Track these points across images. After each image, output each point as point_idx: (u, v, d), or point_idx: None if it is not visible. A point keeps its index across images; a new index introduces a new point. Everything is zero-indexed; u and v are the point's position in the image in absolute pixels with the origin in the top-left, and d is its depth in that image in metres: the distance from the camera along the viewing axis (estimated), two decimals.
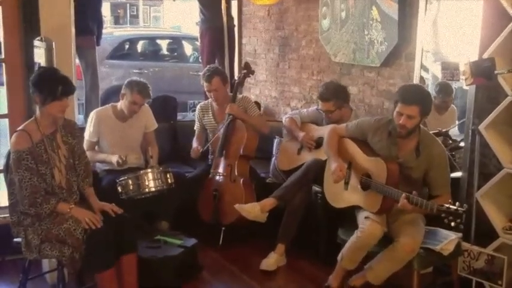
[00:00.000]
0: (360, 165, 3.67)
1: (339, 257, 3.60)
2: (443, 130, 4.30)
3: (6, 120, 4.27)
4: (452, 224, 3.11)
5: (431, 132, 3.79)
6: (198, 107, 5.06)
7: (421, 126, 3.59)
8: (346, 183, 3.74)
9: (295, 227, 4.26)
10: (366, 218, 3.53)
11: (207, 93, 4.89)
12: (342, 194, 3.78)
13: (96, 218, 3.33)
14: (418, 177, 3.54)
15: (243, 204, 4.17)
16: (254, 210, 4.11)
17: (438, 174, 3.51)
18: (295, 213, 4.25)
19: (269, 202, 4.17)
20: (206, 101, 5.04)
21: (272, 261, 4.19)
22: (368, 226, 3.47)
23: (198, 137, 4.96)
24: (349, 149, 3.78)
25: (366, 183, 3.60)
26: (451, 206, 3.12)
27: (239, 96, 4.94)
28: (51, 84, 3.26)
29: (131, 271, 3.47)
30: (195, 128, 5.00)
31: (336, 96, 4.44)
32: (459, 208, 3.10)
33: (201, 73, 6.56)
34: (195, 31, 7.22)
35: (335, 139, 3.84)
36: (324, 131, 4.25)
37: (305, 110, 4.91)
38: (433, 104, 4.53)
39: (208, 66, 5.06)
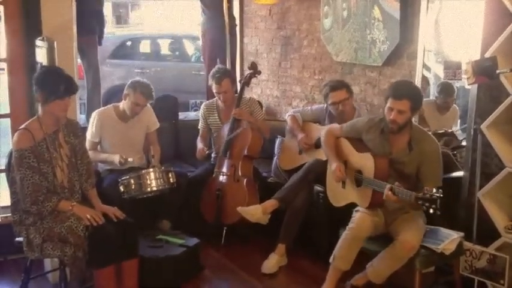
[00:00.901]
0: (353, 162, 3.71)
1: (331, 259, 3.57)
2: (449, 131, 4.31)
3: (8, 120, 4.27)
4: (431, 210, 3.12)
5: (437, 132, 3.79)
6: (203, 106, 5.05)
7: (413, 122, 3.60)
8: (343, 182, 3.76)
9: (296, 228, 4.26)
10: (356, 211, 3.59)
11: (215, 94, 4.87)
12: (341, 193, 3.80)
13: (98, 215, 3.33)
14: (411, 172, 3.55)
15: (246, 207, 4.18)
16: (257, 212, 4.12)
17: (428, 169, 3.51)
18: (297, 213, 4.25)
19: (271, 204, 4.18)
20: (211, 100, 5.03)
21: (273, 262, 4.19)
22: (358, 218, 3.51)
23: (202, 136, 4.95)
24: (344, 148, 3.81)
25: (358, 180, 3.63)
26: (426, 193, 3.14)
27: (246, 97, 4.94)
28: (54, 83, 3.27)
29: (132, 275, 3.49)
30: (199, 127, 4.99)
31: (345, 84, 4.51)
32: (434, 194, 3.11)
33: (203, 73, 6.57)
34: (197, 31, 7.22)
35: (332, 139, 3.88)
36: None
37: (309, 107, 4.90)
38: (434, 103, 4.59)
39: (217, 67, 5.04)
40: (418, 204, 3.20)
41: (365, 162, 3.59)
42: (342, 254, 3.53)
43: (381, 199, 3.44)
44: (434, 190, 3.14)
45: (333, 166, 3.73)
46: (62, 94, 3.27)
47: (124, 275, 3.43)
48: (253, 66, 4.92)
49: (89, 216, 3.29)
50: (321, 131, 4.50)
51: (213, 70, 4.88)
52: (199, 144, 4.83)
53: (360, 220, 3.50)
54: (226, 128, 4.77)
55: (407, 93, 3.48)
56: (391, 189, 3.32)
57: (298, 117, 4.74)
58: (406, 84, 3.72)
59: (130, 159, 4.27)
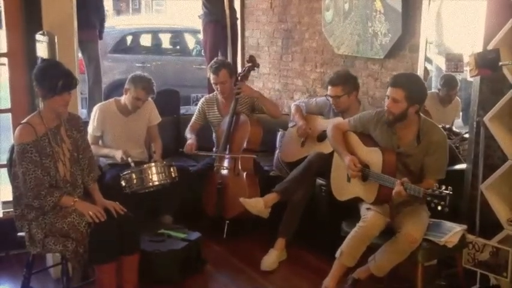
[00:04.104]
0: (360, 156, 3.67)
1: (337, 254, 3.54)
2: (447, 126, 4.30)
3: (9, 115, 4.26)
4: (439, 208, 3.12)
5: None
6: (202, 99, 5.04)
7: (421, 114, 3.58)
8: (348, 176, 3.72)
9: (296, 221, 4.25)
10: (367, 209, 3.54)
11: (213, 85, 4.87)
12: (345, 187, 3.78)
13: (100, 211, 3.33)
14: (418, 165, 3.54)
15: (248, 199, 4.17)
16: (258, 205, 4.11)
17: (432, 159, 3.50)
18: (297, 207, 4.24)
19: (272, 197, 4.17)
20: (211, 94, 5.03)
21: (272, 258, 4.16)
22: (371, 216, 3.47)
23: (192, 127, 4.92)
24: (351, 142, 3.78)
25: (365, 174, 3.59)
26: (435, 190, 3.13)
27: None
28: (51, 79, 3.24)
29: (132, 269, 3.48)
30: (192, 119, 4.98)
31: (344, 82, 4.42)
32: (443, 191, 3.10)
33: (204, 66, 6.56)
34: (198, 24, 7.20)
35: (339, 134, 3.83)
36: (328, 124, 4.23)
37: (313, 99, 4.88)
38: (436, 96, 4.57)
39: (216, 58, 5.06)
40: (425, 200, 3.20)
41: (372, 156, 3.56)
42: (349, 251, 3.49)
43: (388, 194, 3.42)
44: (443, 187, 3.13)
45: (346, 160, 3.66)
46: (61, 90, 3.25)
47: (124, 269, 3.43)
48: (252, 60, 4.91)
49: (91, 213, 3.29)
50: (324, 124, 4.50)
51: (212, 61, 4.91)
52: (189, 136, 4.80)
53: (374, 218, 3.45)
54: (225, 122, 4.76)
55: (404, 82, 3.47)
56: (402, 184, 3.29)
57: (303, 107, 4.73)
58: (407, 75, 3.71)
59: (129, 159, 4.24)
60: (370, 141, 3.68)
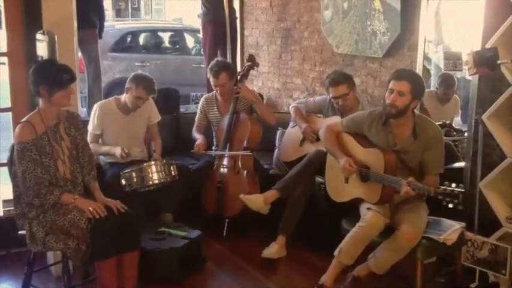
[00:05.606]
0: (358, 157, 3.67)
1: (335, 252, 3.54)
2: (448, 122, 4.31)
3: (8, 114, 4.27)
4: (450, 205, 3.15)
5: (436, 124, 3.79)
6: (202, 99, 5.05)
7: (415, 112, 3.60)
8: (346, 177, 3.73)
9: (296, 219, 4.26)
10: (368, 209, 3.53)
11: (213, 87, 4.87)
12: (343, 188, 3.77)
13: (100, 207, 3.34)
14: (416, 161, 3.55)
15: (248, 195, 4.19)
16: (258, 201, 4.13)
17: (430, 155, 3.52)
18: (297, 205, 4.25)
19: (271, 194, 4.19)
20: (211, 94, 5.03)
21: (273, 250, 4.19)
22: (371, 217, 3.46)
23: (198, 127, 4.95)
24: (347, 143, 3.78)
25: (365, 175, 3.60)
26: (447, 188, 3.16)
27: None
28: (56, 74, 3.28)
29: (132, 266, 3.49)
30: (196, 119, 4.99)
31: (347, 79, 4.44)
32: (455, 189, 3.14)
33: (203, 65, 6.57)
34: (197, 23, 7.22)
35: (333, 136, 3.83)
36: (328, 123, 4.24)
37: (311, 98, 4.88)
38: (435, 94, 4.59)
39: (216, 60, 5.02)
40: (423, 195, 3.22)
41: (372, 157, 3.57)
42: (348, 249, 3.49)
43: (391, 194, 3.43)
44: (454, 185, 3.16)
45: (342, 161, 3.65)
46: (67, 83, 3.30)
47: (125, 266, 3.44)
48: (251, 59, 4.92)
49: (91, 209, 3.30)
50: (323, 123, 4.51)
51: (211, 63, 4.87)
52: (197, 136, 4.82)
53: (374, 219, 3.45)
54: (225, 121, 4.77)
55: (408, 75, 3.52)
56: (409, 184, 3.30)
57: (302, 108, 4.72)
58: (408, 69, 3.77)
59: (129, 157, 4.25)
60: (366, 142, 3.69)
